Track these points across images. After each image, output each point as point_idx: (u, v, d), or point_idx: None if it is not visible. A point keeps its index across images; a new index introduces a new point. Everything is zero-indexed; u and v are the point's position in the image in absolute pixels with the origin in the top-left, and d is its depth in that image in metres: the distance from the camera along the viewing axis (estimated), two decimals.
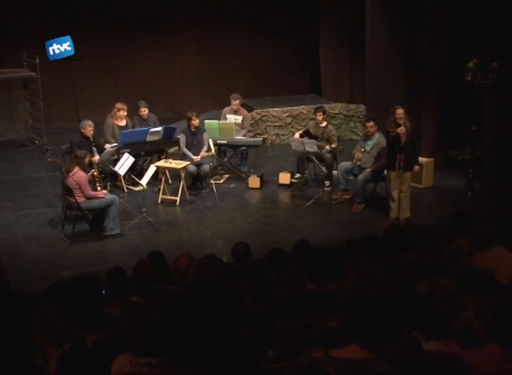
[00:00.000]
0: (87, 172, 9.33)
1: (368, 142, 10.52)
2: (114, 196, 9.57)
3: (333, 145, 11.00)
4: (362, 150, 10.53)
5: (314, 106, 13.55)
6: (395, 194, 9.85)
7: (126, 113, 11.36)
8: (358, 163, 10.46)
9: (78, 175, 9.06)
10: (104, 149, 10.65)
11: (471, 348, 3.35)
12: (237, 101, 11.92)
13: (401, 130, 9.50)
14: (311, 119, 12.44)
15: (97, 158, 10.25)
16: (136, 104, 11.77)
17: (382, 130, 10.19)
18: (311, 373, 2.68)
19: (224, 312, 2.85)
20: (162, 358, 3.15)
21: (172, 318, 3.25)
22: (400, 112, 9.56)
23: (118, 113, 11.27)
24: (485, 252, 5.79)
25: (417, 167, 9.93)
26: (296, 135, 11.48)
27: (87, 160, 9.37)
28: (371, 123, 10.51)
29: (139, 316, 3.23)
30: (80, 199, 9.07)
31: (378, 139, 10.39)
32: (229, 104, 12.03)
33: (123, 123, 11.37)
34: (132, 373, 3.18)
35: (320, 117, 11.23)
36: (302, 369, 2.73)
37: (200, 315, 2.83)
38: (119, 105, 11.30)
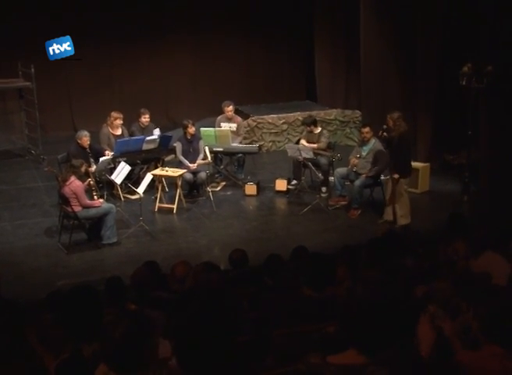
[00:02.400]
0: (83, 181, 9.33)
1: (364, 148, 10.54)
2: (111, 205, 9.57)
3: (320, 144, 11.15)
4: (358, 156, 10.55)
5: (310, 113, 13.67)
6: (387, 196, 9.92)
7: (121, 122, 11.37)
8: (354, 169, 10.48)
9: (74, 184, 9.07)
10: (104, 154, 10.69)
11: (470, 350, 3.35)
12: (231, 107, 11.93)
13: (380, 134, 9.71)
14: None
15: (93, 168, 10.26)
16: (132, 112, 11.79)
17: (376, 135, 10.23)
18: None
19: (221, 319, 2.85)
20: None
21: (153, 332, 3.25)
22: (388, 116, 9.63)
23: (114, 122, 11.27)
24: (478, 259, 5.80)
25: (395, 175, 9.70)
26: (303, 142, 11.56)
27: (83, 169, 9.37)
28: (366, 129, 10.53)
29: (109, 332, 3.20)
30: (77, 208, 9.07)
31: (374, 144, 10.41)
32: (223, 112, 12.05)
33: (119, 131, 11.38)
34: None
35: (314, 128, 11.31)
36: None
37: (196, 322, 2.83)
38: (114, 114, 11.31)
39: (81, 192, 9.13)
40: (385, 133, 9.66)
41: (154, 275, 5.84)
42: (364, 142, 10.59)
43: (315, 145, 11.11)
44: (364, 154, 10.50)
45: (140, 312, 4.39)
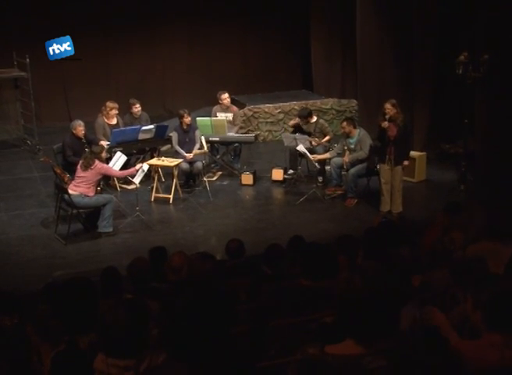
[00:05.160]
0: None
1: (350, 140, 10.52)
2: (110, 195, 9.65)
3: (328, 137, 11.11)
4: (346, 148, 10.51)
5: (306, 102, 13.67)
6: (386, 187, 9.86)
7: (117, 112, 11.32)
8: (345, 167, 10.45)
9: (100, 165, 9.24)
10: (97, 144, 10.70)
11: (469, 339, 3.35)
12: (226, 95, 11.91)
13: (384, 124, 9.52)
14: None
15: None
16: (127, 102, 11.74)
17: (373, 125, 10.21)
18: (314, 367, 2.69)
19: (216, 309, 2.85)
20: (129, 361, 3.16)
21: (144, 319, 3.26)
22: (386, 106, 9.57)
23: (110, 112, 11.23)
24: (477, 244, 5.78)
25: (406, 162, 9.86)
26: (291, 124, 11.57)
27: (103, 155, 9.49)
28: (343, 124, 10.57)
29: (106, 317, 3.22)
30: (90, 193, 9.16)
31: (360, 135, 10.43)
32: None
33: (114, 121, 11.34)
34: (102, 371, 3.20)
35: (310, 119, 11.30)
36: (306, 364, 2.73)
37: (189, 311, 2.82)
38: (110, 104, 11.26)
39: (109, 168, 9.50)
40: (386, 123, 9.56)
41: (158, 263, 5.83)
42: (348, 135, 10.57)
43: (323, 140, 11.10)
44: (352, 147, 10.49)
45: (136, 299, 4.39)
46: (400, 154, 9.70)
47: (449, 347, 3.21)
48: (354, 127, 10.52)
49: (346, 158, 10.40)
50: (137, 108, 11.54)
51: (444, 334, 3.54)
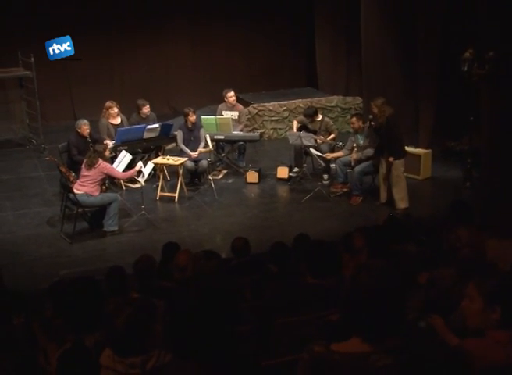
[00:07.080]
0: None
1: (359, 136, 10.52)
2: (115, 194, 9.67)
3: (333, 135, 11.15)
4: (355, 145, 10.50)
5: (311, 100, 13.65)
6: (380, 178, 10.03)
7: (116, 110, 11.28)
8: (353, 164, 10.44)
9: (103, 165, 9.25)
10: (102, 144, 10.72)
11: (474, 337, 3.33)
12: (232, 93, 11.91)
13: (368, 124, 9.95)
14: None
15: None
16: (132, 101, 11.75)
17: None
18: (321, 364, 2.69)
19: (220, 306, 2.85)
20: (135, 359, 3.17)
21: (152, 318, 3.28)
22: (372, 104, 9.81)
23: (107, 112, 11.21)
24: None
25: (390, 159, 9.82)
26: (294, 124, 11.55)
27: (107, 154, 9.55)
28: (353, 119, 10.58)
29: (112, 316, 3.24)
30: (95, 193, 9.16)
31: (368, 131, 10.45)
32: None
33: (117, 121, 11.32)
34: (108, 367, 3.21)
35: (316, 118, 11.29)
36: (313, 362, 2.73)
37: (193, 309, 2.82)
38: (107, 104, 11.24)
39: (112, 168, 9.44)
40: (372, 123, 9.73)
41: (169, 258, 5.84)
42: (357, 131, 10.57)
43: (328, 139, 11.12)
44: (361, 143, 10.48)
45: (143, 298, 4.39)
46: (389, 149, 9.78)
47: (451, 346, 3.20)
48: (363, 123, 10.51)
49: (355, 156, 10.38)
50: (147, 109, 11.52)
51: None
